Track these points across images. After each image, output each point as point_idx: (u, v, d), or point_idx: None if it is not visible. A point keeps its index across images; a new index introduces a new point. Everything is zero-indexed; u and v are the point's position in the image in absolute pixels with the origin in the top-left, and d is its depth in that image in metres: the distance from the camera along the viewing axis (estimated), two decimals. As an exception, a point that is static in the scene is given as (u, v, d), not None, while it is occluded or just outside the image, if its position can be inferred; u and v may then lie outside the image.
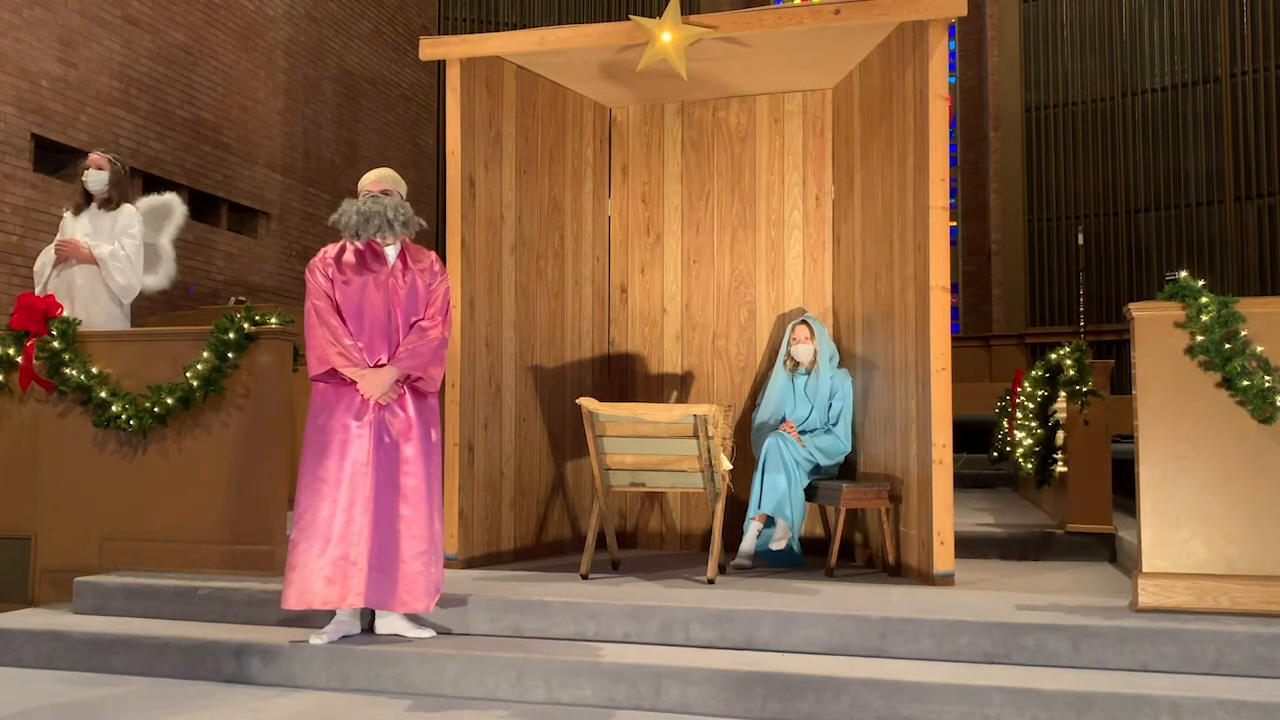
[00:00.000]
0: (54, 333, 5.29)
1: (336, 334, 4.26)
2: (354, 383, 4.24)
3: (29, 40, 9.03)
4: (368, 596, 4.16)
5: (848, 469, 5.75)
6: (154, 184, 10.00)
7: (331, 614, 4.34)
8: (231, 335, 5.07)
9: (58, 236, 6.00)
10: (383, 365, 4.28)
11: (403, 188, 4.50)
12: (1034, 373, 6.55)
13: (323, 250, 4.44)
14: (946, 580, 4.73)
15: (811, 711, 3.70)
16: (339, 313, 4.31)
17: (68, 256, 5.86)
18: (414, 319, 4.35)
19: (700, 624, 4.18)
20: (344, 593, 4.15)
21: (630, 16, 5.46)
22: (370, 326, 4.30)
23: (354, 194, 4.43)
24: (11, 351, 5.37)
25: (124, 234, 5.89)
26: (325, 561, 4.15)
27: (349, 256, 4.37)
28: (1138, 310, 4.22)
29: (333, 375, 4.26)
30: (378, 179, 4.44)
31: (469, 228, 5.45)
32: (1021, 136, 14.54)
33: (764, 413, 5.69)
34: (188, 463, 5.18)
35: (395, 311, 4.32)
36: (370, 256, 4.37)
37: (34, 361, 5.30)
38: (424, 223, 4.47)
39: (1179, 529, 4.11)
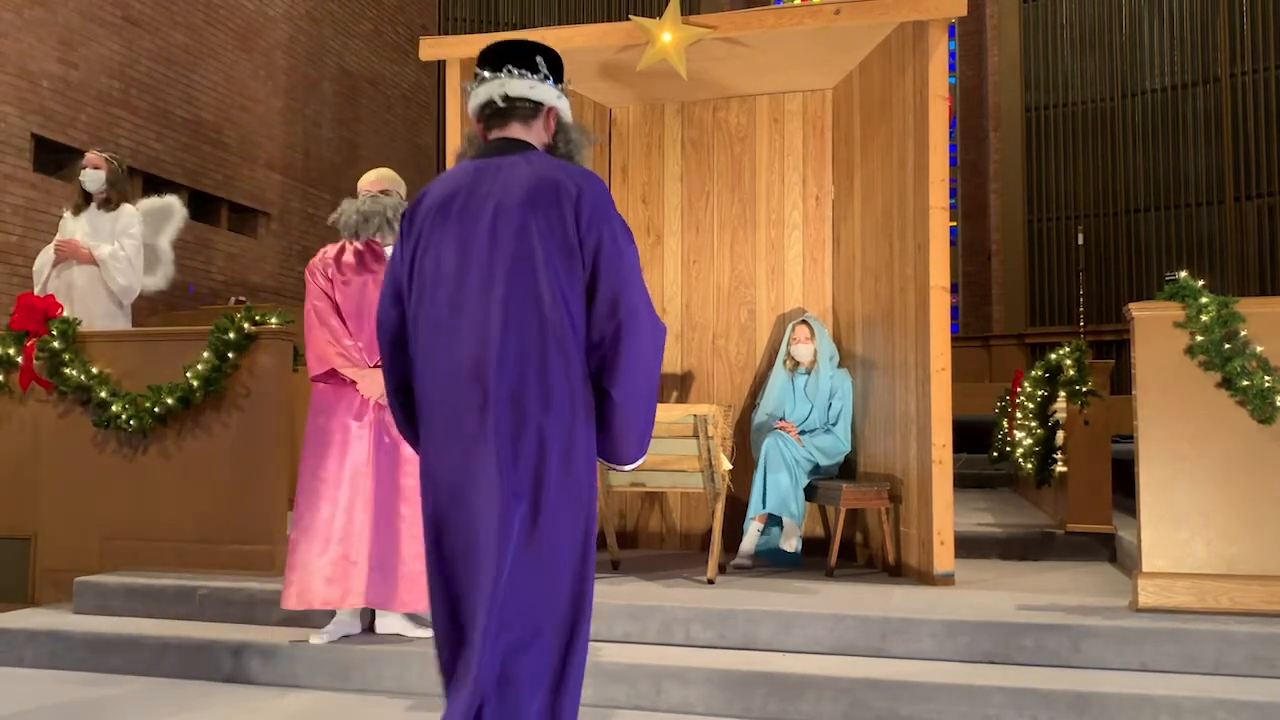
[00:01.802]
0: (54, 333, 5.30)
1: (336, 335, 4.26)
2: (354, 383, 4.24)
3: (29, 40, 9.03)
4: (368, 596, 4.16)
5: (848, 469, 5.75)
6: (154, 184, 10.01)
7: (331, 613, 4.34)
8: (231, 335, 5.07)
9: (57, 236, 6.00)
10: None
11: (402, 188, 4.49)
12: (1034, 373, 6.55)
13: (322, 251, 4.44)
14: (946, 580, 4.73)
15: (811, 711, 3.70)
16: (339, 313, 4.31)
17: (67, 257, 5.86)
18: None
19: (700, 624, 4.17)
20: (344, 593, 4.15)
21: (630, 16, 5.46)
22: (370, 326, 4.30)
23: (354, 194, 4.43)
24: (11, 351, 5.37)
25: (124, 234, 5.89)
26: (325, 562, 4.15)
27: (348, 257, 4.36)
28: (1138, 310, 4.22)
29: (332, 376, 4.26)
30: (377, 179, 4.43)
31: (469, 228, 5.44)
32: (1021, 136, 14.53)
33: (764, 413, 5.68)
34: (188, 463, 5.18)
35: None
36: (370, 257, 4.36)
37: (34, 361, 5.30)
38: None
39: (1179, 529, 4.11)
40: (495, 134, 2.53)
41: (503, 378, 2.29)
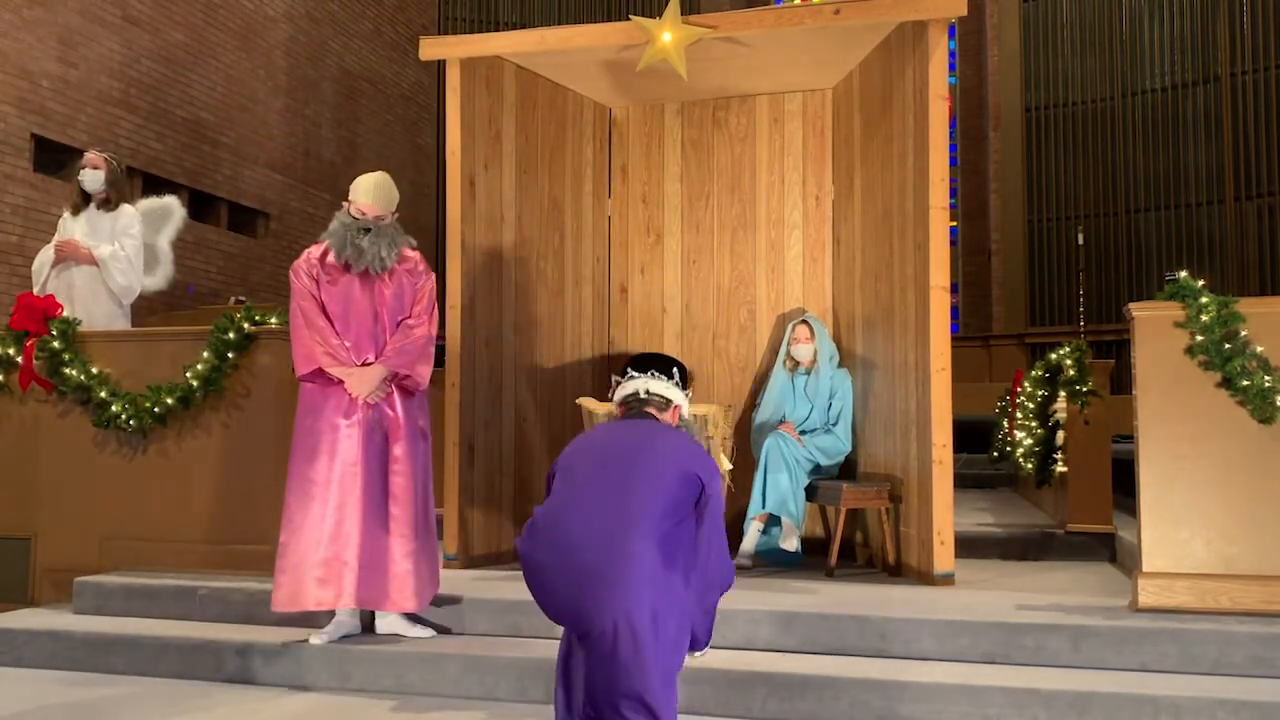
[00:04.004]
0: (54, 333, 5.30)
1: (323, 334, 4.25)
2: (341, 382, 4.22)
3: (29, 40, 9.03)
4: (358, 596, 4.16)
5: (848, 469, 5.75)
6: (154, 184, 10.01)
7: (331, 614, 4.34)
8: (231, 335, 5.07)
9: (56, 237, 5.99)
10: (370, 364, 4.26)
11: (396, 199, 4.39)
12: (1034, 373, 6.55)
13: (307, 252, 4.42)
14: (946, 580, 4.73)
15: (811, 711, 3.69)
16: (325, 313, 4.30)
17: (67, 257, 5.85)
18: (400, 318, 4.33)
19: (700, 624, 4.17)
20: (336, 593, 4.15)
21: (630, 16, 5.46)
22: (356, 326, 4.29)
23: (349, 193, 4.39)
24: (11, 351, 5.37)
25: (124, 235, 5.88)
26: (317, 562, 4.14)
27: (333, 258, 4.35)
28: (1138, 310, 4.22)
29: (319, 375, 4.25)
30: (374, 197, 4.31)
31: (469, 228, 5.44)
32: (1021, 136, 14.52)
33: (764, 413, 5.69)
34: (188, 463, 5.18)
35: (381, 311, 4.31)
36: None
37: (34, 361, 5.30)
38: (414, 241, 4.44)
39: (1179, 529, 4.10)
40: (633, 414, 3.40)
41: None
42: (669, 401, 3.43)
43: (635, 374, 3.46)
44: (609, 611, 2.87)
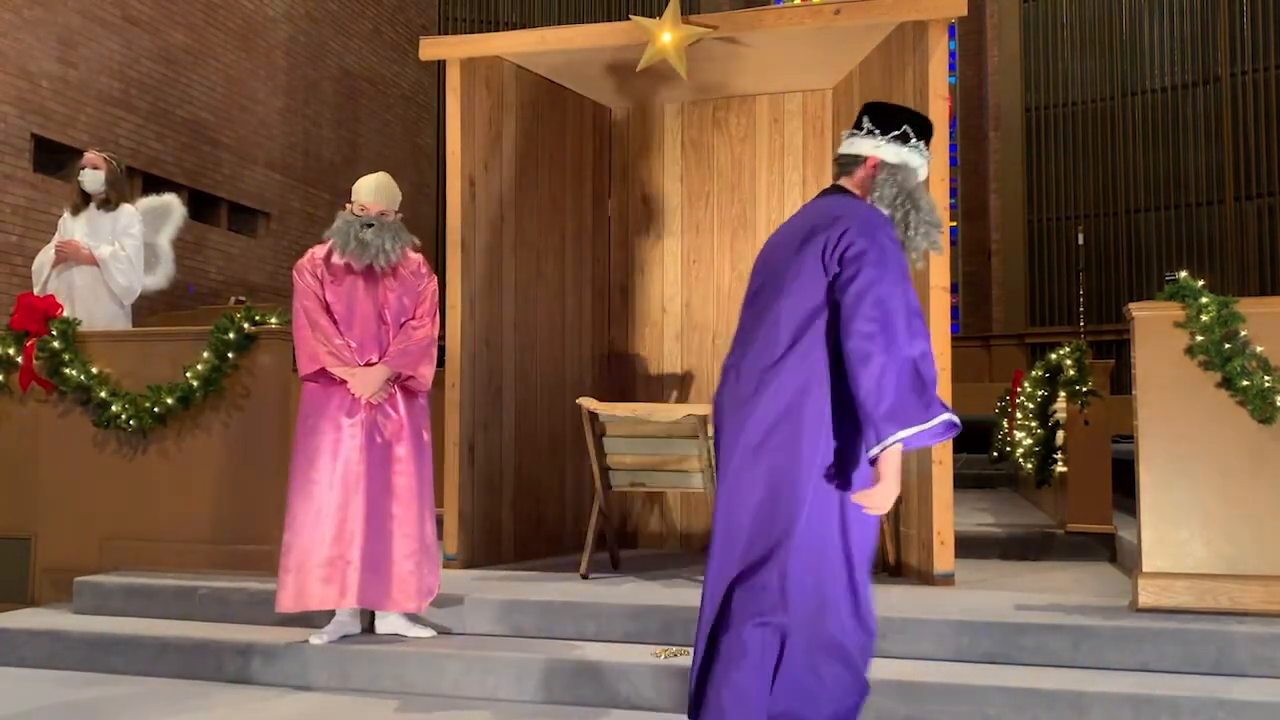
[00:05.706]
0: (54, 333, 5.30)
1: (327, 334, 4.25)
2: (344, 382, 4.22)
3: (29, 40, 9.03)
4: (360, 596, 4.16)
5: (848, 469, 5.74)
6: (154, 184, 10.00)
7: (331, 613, 4.34)
8: (231, 335, 5.07)
9: (56, 237, 5.99)
10: (373, 365, 4.27)
11: (398, 198, 4.39)
12: (1034, 373, 6.55)
13: (310, 251, 4.42)
14: (946, 580, 4.73)
15: (811, 711, 3.69)
16: (329, 312, 4.30)
17: (68, 258, 5.85)
18: (403, 319, 4.34)
19: (700, 624, 4.17)
20: (340, 592, 4.15)
21: (630, 16, 5.46)
22: (360, 327, 4.29)
23: (351, 194, 4.39)
24: (11, 351, 5.37)
25: (124, 234, 5.88)
26: (320, 562, 4.14)
27: (337, 258, 4.34)
28: (1138, 310, 4.22)
29: (322, 375, 4.25)
30: (376, 195, 4.32)
31: (469, 228, 5.44)
32: (1021, 136, 14.52)
33: (764, 413, 5.67)
34: (188, 463, 5.18)
35: (384, 312, 4.31)
36: None
37: (34, 361, 5.30)
38: (418, 240, 4.44)
39: (1179, 529, 4.10)
40: (826, 191, 2.92)
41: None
42: (856, 158, 2.87)
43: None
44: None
